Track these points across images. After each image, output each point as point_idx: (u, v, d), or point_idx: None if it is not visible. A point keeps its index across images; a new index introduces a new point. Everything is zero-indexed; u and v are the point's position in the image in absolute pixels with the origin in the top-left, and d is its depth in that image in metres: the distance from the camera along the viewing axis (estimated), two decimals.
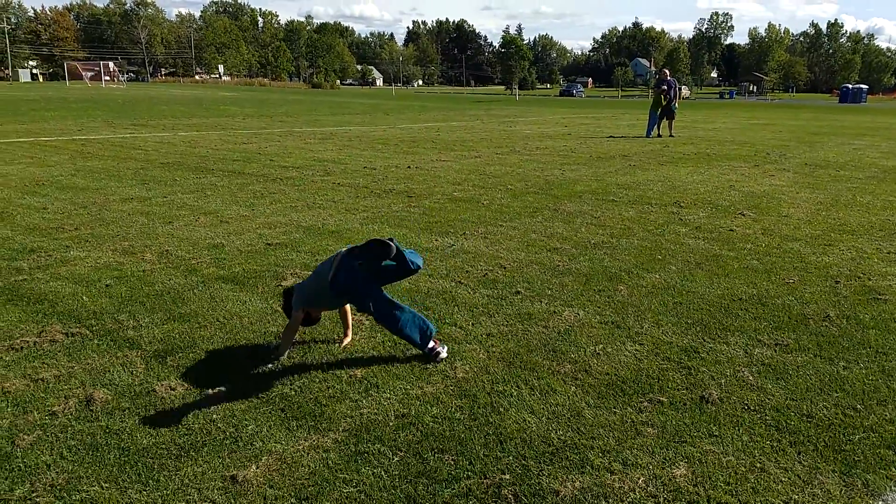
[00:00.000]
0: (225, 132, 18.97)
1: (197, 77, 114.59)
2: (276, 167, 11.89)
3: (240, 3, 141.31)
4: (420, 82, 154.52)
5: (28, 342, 3.98)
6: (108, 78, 77.54)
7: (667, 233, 7.19)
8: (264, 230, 7.04)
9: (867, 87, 77.41)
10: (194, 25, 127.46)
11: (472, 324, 4.45)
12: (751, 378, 3.69)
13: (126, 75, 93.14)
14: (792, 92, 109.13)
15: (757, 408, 3.37)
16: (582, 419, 3.23)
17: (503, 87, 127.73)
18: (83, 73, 78.64)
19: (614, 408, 3.34)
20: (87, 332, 4.19)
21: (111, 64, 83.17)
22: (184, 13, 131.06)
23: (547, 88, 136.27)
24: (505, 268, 5.77)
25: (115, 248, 6.18)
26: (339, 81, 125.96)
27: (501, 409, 3.31)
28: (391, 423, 3.17)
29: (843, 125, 27.75)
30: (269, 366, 3.75)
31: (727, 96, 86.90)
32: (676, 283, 5.39)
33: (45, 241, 6.40)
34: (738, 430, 3.17)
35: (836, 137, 20.95)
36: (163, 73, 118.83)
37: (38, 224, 7.16)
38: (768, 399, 3.46)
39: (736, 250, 6.46)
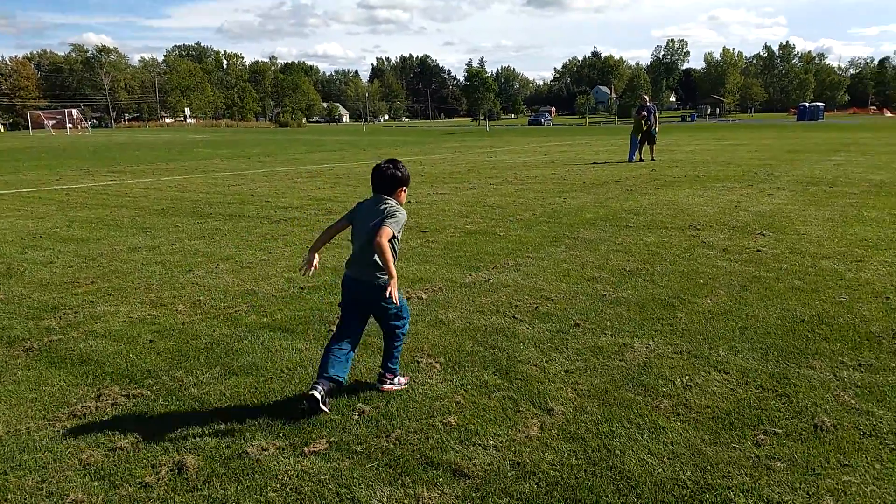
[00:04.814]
0: (208, 175, 18.70)
1: (163, 120, 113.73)
2: (274, 208, 11.69)
3: (203, 46, 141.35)
4: (387, 117, 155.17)
5: (89, 407, 3.73)
6: (71, 125, 76.52)
7: (696, 257, 7.15)
8: (291, 273, 6.84)
9: (823, 104, 79.76)
10: (158, 70, 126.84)
11: (545, 361, 4.31)
12: (853, 402, 3.60)
13: (90, 122, 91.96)
14: (751, 112, 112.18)
15: (874, 433, 3.27)
16: (704, 457, 3.09)
17: (469, 118, 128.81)
18: (46, 122, 77.50)
19: (732, 443, 3.21)
20: (148, 392, 3.95)
21: (74, 111, 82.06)
22: (147, 58, 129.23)
23: (512, 118, 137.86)
24: (552, 300, 5.65)
25: (143, 301, 5.93)
26: (305, 119, 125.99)
27: (617, 452, 3.15)
28: (510, 474, 3.00)
29: (814, 142, 28.43)
30: (356, 416, 3.55)
31: (689, 119, 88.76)
32: (731, 307, 5.32)
33: (64, 297, 6.12)
34: (866, 457, 3.06)
35: (812, 155, 21.40)
36: (126, 118, 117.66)
37: (49, 279, 6.86)
38: (880, 423, 3.37)
39: (774, 271, 6.44)
